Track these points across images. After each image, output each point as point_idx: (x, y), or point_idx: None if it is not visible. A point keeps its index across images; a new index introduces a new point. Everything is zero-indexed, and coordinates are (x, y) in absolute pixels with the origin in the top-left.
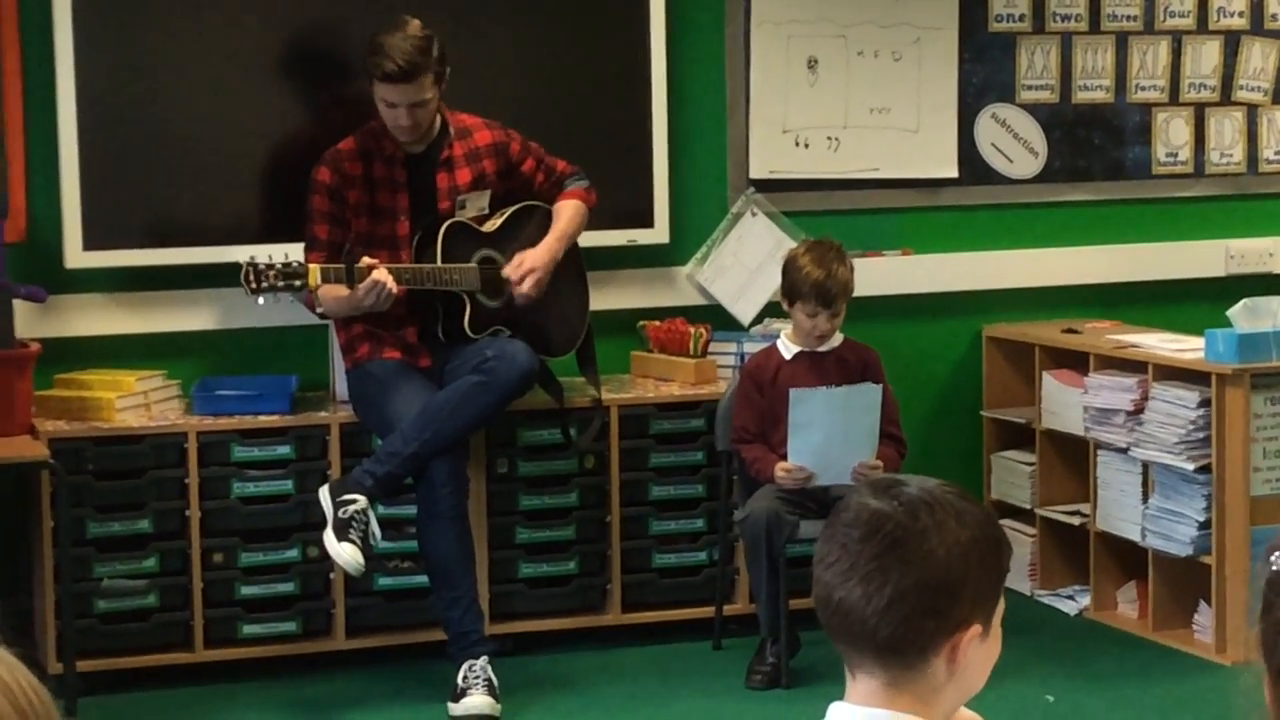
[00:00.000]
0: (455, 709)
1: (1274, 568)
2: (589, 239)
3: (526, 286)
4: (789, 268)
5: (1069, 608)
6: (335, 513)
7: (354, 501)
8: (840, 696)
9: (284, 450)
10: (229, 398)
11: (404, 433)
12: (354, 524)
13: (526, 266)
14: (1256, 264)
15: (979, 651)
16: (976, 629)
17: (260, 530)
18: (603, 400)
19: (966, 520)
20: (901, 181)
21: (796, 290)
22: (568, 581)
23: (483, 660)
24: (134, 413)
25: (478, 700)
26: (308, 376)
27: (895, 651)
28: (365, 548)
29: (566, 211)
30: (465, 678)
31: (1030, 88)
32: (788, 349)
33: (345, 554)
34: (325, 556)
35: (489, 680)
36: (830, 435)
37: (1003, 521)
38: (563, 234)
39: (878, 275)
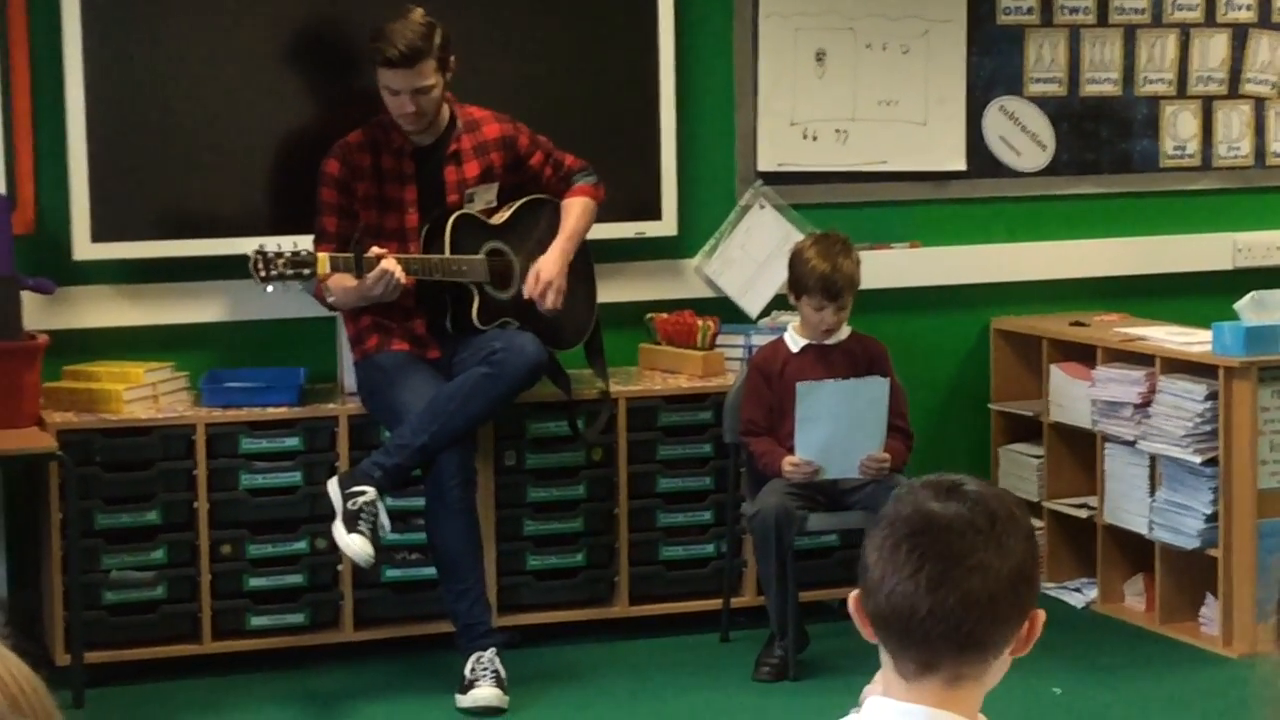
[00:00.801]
0: (463, 701)
1: None
2: (597, 231)
3: (549, 302)
4: (795, 261)
5: (1076, 600)
6: (344, 504)
7: (363, 493)
8: (849, 690)
9: (292, 442)
10: (237, 390)
11: (412, 425)
12: (363, 515)
13: (543, 281)
14: (1264, 257)
15: None
16: (1041, 612)
17: (268, 522)
18: (610, 393)
19: (1019, 507)
20: (909, 174)
21: (802, 284)
22: (575, 574)
23: (490, 652)
24: (142, 404)
25: (485, 692)
26: (316, 369)
27: (980, 647)
28: (374, 539)
29: (575, 210)
30: (473, 669)
31: (1038, 81)
32: (795, 342)
33: (355, 545)
34: (333, 548)
35: (496, 672)
36: (837, 428)
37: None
38: (572, 233)
39: (885, 268)
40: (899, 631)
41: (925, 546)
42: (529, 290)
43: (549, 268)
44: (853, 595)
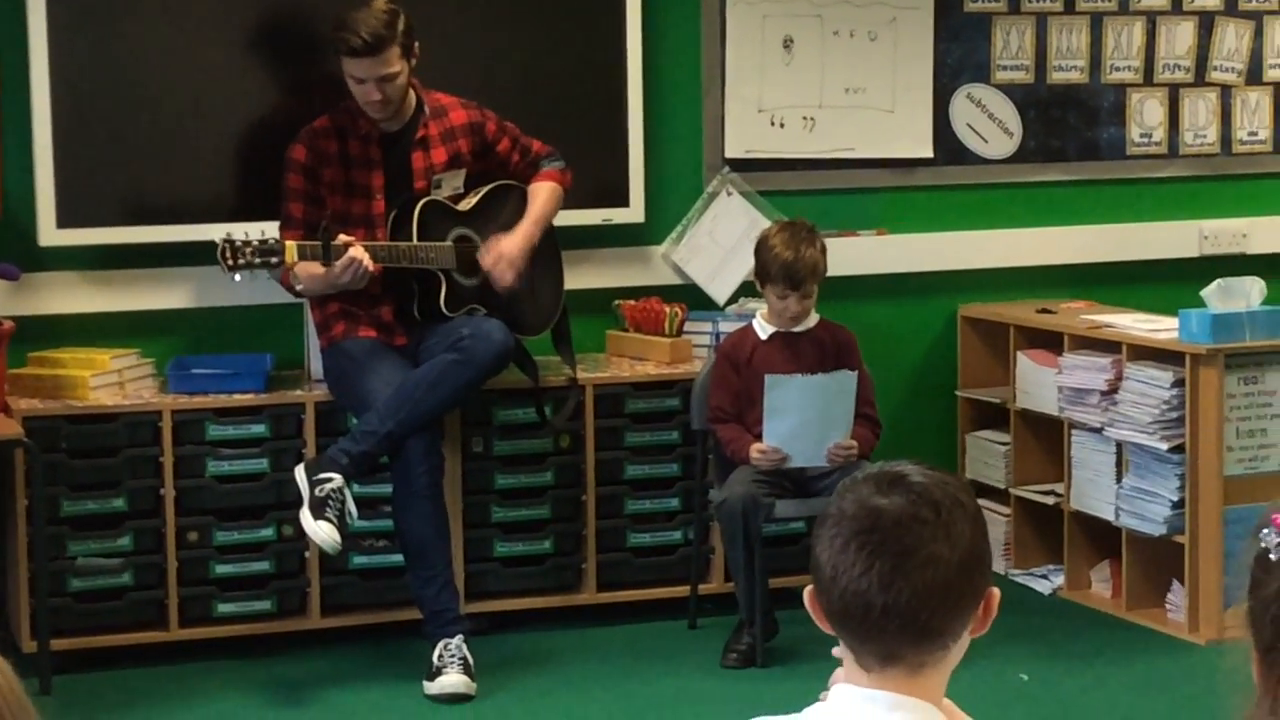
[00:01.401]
0: (430, 688)
1: (1262, 545)
2: (564, 218)
3: (506, 280)
4: (760, 249)
5: (1043, 587)
6: (311, 491)
7: (330, 480)
8: (817, 675)
9: (259, 429)
10: (204, 376)
11: (379, 411)
12: (330, 502)
13: (502, 257)
14: (1230, 245)
15: None
16: (996, 590)
17: (235, 509)
18: (578, 379)
19: (964, 491)
20: (877, 161)
21: (766, 272)
22: (543, 560)
23: (458, 639)
24: (108, 391)
25: (453, 679)
26: (283, 355)
27: (939, 635)
28: (341, 526)
29: (542, 194)
30: (440, 656)
31: (1005, 68)
32: (763, 329)
33: (322, 532)
34: (300, 535)
35: (464, 659)
36: (805, 419)
37: (978, 501)
38: (538, 217)
39: (853, 255)
40: (856, 628)
41: (874, 544)
42: (486, 263)
43: (510, 246)
44: (808, 590)
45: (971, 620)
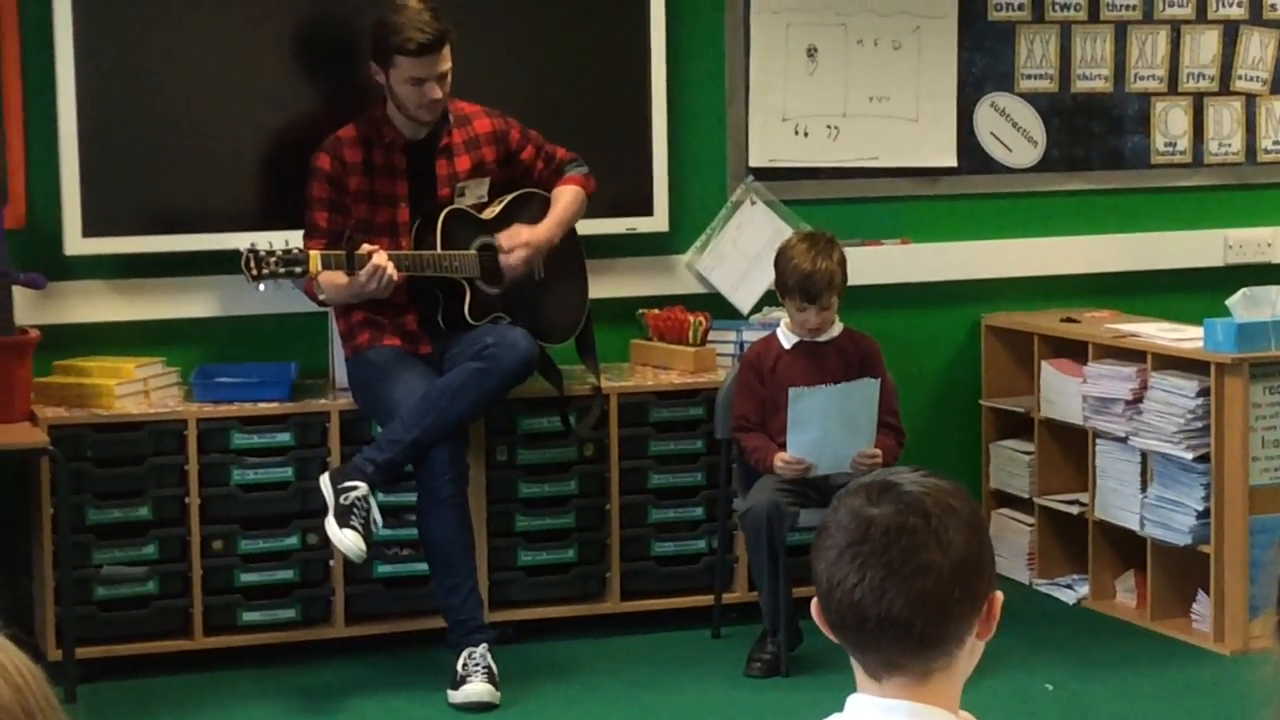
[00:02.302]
0: (455, 697)
1: None
2: (588, 226)
3: (515, 258)
4: (779, 260)
5: (1067, 597)
6: (336, 499)
7: (355, 488)
8: (841, 685)
9: (283, 437)
10: (229, 385)
11: (404, 420)
12: (355, 510)
13: (521, 239)
14: (1255, 254)
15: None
16: (999, 593)
17: (260, 517)
18: (602, 388)
19: (958, 496)
20: (900, 170)
21: (784, 284)
22: (567, 569)
23: (482, 648)
24: (133, 400)
25: (477, 688)
26: (307, 364)
27: (938, 643)
28: (366, 534)
29: (565, 197)
30: (464, 665)
31: (1029, 77)
32: (787, 338)
33: (347, 540)
34: (325, 543)
35: (489, 668)
36: (829, 430)
37: (1001, 511)
38: (560, 218)
39: (876, 264)
40: (855, 638)
41: (865, 554)
42: (503, 239)
43: (531, 232)
44: (814, 601)
45: (974, 626)
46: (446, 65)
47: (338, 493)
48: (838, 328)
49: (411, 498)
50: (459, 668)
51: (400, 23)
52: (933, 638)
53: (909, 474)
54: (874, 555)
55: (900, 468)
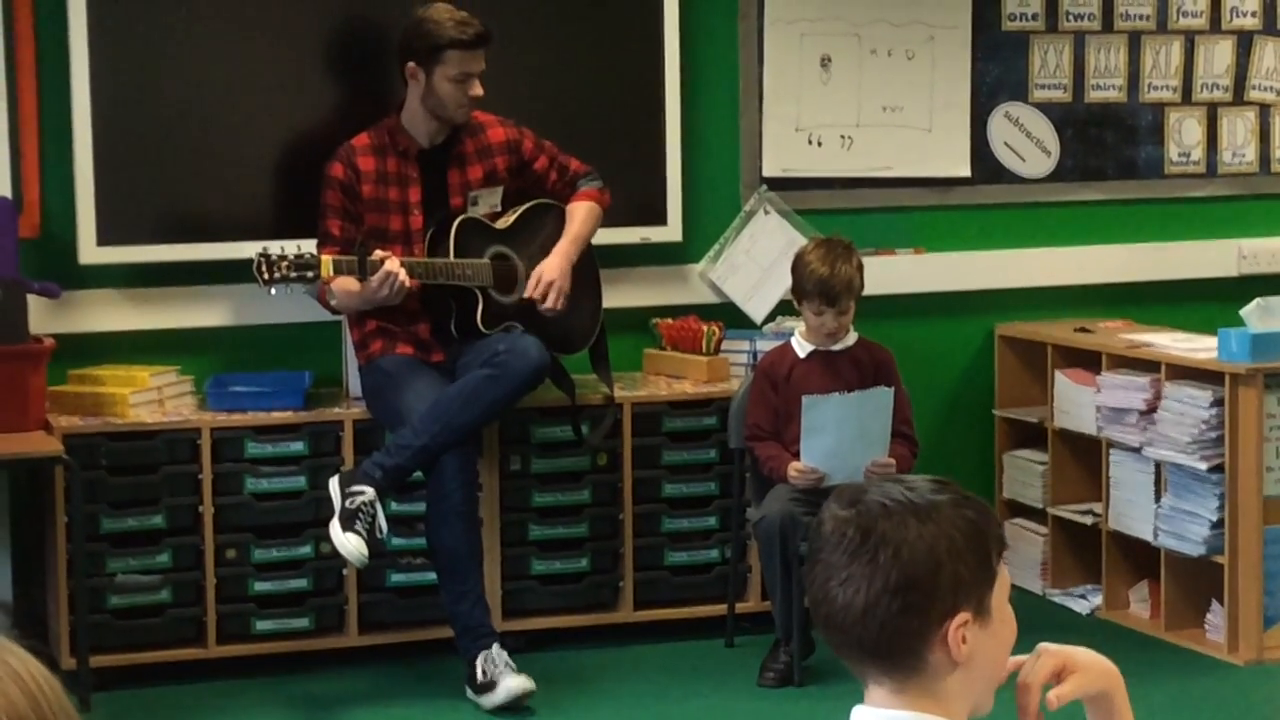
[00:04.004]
0: (492, 699)
1: None
2: (602, 236)
3: (550, 303)
4: (797, 265)
5: (1081, 607)
6: (343, 503)
7: (362, 493)
8: (854, 695)
9: (297, 446)
10: (242, 394)
11: (415, 426)
12: (361, 515)
13: (545, 282)
14: (1269, 264)
15: (983, 639)
16: (964, 616)
17: (273, 526)
18: (615, 397)
19: (931, 515)
20: (914, 180)
21: (802, 288)
22: (580, 579)
23: (495, 648)
24: (148, 408)
25: (512, 681)
26: (321, 373)
27: (886, 655)
28: (371, 540)
29: (580, 214)
30: (484, 671)
31: (1043, 87)
32: (802, 347)
33: (350, 544)
34: (338, 552)
35: (509, 664)
36: (842, 438)
37: (1015, 521)
38: (576, 237)
39: (890, 274)
40: (827, 640)
41: (816, 557)
42: (530, 291)
43: (551, 269)
44: None
45: (930, 645)
46: (483, 64)
47: (345, 496)
48: (852, 337)
49: (423, 507)
50: (479, 674)
51: (445, 19)
52: (879, 648)
53: (902, 483)
54: (821, 559)
55: (915, 476)
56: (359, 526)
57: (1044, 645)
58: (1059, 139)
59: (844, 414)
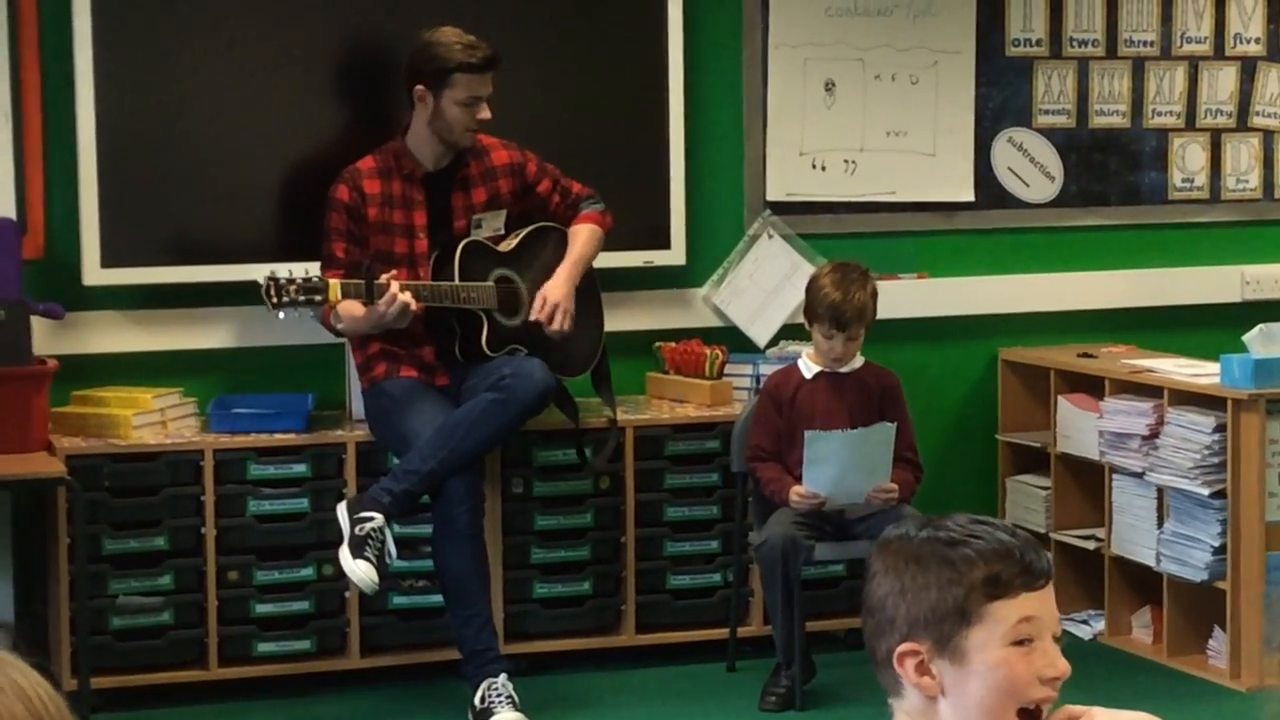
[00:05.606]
0: None
1: None
2: (605, 260)
3: (556, 324)
4: (811, 286)
5: (1083, 632)
6: (352, 529)
7: (371, 519)
8: (854, 718)
9: (300, 469)
10: (245, 416)
11: (421, 451)
12: (370, 542)
13: (550, 304)
14: (1272, 290)
15: (959, 675)
16: (909, 646)
17: (276, 548)
18: (618, 421)
19: (894, 549)
20: (918, 205)
21: (813, 310)
22: (582, 602)
23: (502, 678)
24: (151, 430)
25: (506, 716)
26: (324, 395)
27: (878, 673)
28: (380, 566)
29: (582, 236)
30: (485, 698)
31: (1047, 112)
32: (809, 368)
33: (360, 571)
34: (341, 575)
35: (511, 697)
36: (845, 470)
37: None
38: (578, 259)
39: (894, 298)
40: None
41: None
42: (535, 313)
43: (555, 291)
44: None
45: (892, 671)
46: (491, 87)
47: (354, 523)
48: (859, 360)
49: (427, 529)
50: (477, 701)
51: (454, 43)
52: (874, 665)
53: (929, 522)
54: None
55: (959, 514)
56: (369, 553)
57: (1069, 708)
58: (1063, 164)
59: (846, 449)
